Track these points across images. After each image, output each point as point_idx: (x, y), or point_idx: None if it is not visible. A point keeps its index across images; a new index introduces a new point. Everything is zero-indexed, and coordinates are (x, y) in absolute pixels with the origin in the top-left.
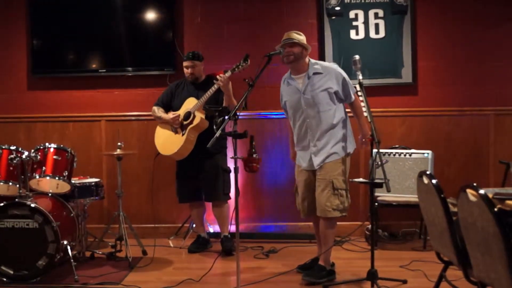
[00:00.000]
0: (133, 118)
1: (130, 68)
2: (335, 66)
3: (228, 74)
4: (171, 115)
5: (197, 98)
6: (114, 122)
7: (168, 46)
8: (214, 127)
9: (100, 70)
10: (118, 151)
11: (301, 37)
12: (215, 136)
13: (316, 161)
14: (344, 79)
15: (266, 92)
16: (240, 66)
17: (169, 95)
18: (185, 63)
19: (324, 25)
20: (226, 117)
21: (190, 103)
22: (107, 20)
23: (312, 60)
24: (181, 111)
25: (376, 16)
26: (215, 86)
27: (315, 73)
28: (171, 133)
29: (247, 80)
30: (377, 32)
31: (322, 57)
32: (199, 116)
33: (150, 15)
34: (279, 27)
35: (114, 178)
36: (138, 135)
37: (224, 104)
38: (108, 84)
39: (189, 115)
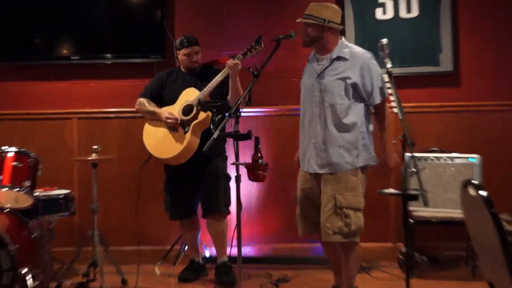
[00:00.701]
0: (112, 115)
1: (109, 55)
2: (368, 55)
3: (239, 59)
4: (166, 113)
5: (197, 88)
6: (89, 120)
7: (155, 28)
8: (211, 126)
9: (72, 57)
10: (94, 156)
11: (325, 13)
12: (212, 137)
13: (315, 165)
14: (373, 74)
15: (274, 84)
16: (253, 50)
17: (159, 84)
18: (187, 50)
19: (344, 2)
20: (226, 114)
21: (189, 95)
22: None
23: (345, 42)
24: (177, 106)
25: None
26: (223, 72)
27: (339, 58)
28: (167, 131)
29: (251, 70)
30: (408, 10)
31: None
32: None
33: None
34: (291, 4)
35: (88, 189)
36: (119, 137)
37: (229, 98)
38: (82, 74)
39: (191, 108)
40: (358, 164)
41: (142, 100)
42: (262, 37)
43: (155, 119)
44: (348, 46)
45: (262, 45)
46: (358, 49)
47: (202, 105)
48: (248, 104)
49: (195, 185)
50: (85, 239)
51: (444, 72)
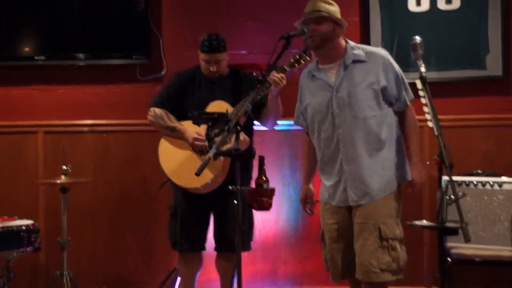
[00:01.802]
0: (86, 129)
1: (81, 55)
2: (383, 51)
3: (284, 71)
4: (193, 134)
5: (224, 100)
6: (57, 134)
7: (138, 21)
8: (207, 142)
9: (36, 57)
10: (63, 178)
11: (332, 8)
12: (207, 157)
13: (354, 195)
14: (396, 71)
15: (284, 92)
16: (302, 60)
17: (180, 90)
18: (205, 56)
19: None
20: (226, 128)
21: (219, 108)
22: None
23: (351, 43)
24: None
25: None
26: (263, 88)
27: (355, 61)
28: (192, 153)
29: (255, 75)
30: (449, 0)
31: (365, 40)
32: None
33: None
34: None
35: (56, 219)
36: (94, 155)
37: (265, 116)
38: (49, 77)
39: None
40: (395, 184)
41: (159, 111)
42: (271, 34)
43: (176, 137)
44: (359, 47)
45: (313, 57)
46: (371, 48)
47: (194, 116)
48: (252, 117)
49: (211, 212)
50: (53, 281)
51: (492, 77)
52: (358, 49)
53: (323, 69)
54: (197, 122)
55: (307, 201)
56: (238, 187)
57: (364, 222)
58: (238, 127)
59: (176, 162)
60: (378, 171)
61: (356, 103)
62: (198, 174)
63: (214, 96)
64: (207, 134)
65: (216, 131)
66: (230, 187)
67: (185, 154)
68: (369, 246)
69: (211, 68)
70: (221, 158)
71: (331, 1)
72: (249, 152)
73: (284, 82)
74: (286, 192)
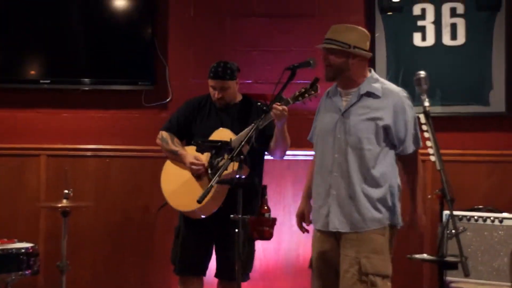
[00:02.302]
0: (89, 153)
1: (87, 80)
2: (402, 93)
3: (288, 104)
4: (191, 158)
5: (232, 128)
6: (60, 158)
7: (144, 48)
8: (209, 171)
9: (42, 81)
10: (65, 202)
11: (351, 35)
12: (210, 185)
13: (336, 220)
14: (407, 115)
15: (290, 122)
16: (306, 95)
17: (189, 116)
18: (211, 82)
19: (375, 24)
20: (228, 157)
21: (221, 137)
22: (55, 8)
23: (375, 75)
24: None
25: (453, 13)
26: (267, 117)
27: (369, 94)
28: (191, 176)
29: (259, 104)
30: (453, 36)
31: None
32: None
33: (120, 2)
34: (309, 26)
35: (56, 242)
36: (96, 179)
37: (273, 147)
38: (53, 101)
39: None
40: (386, 222)
41: (165, 135)
42: (275, 64)
43: (178, 161)
44: (379, 81)
45: (319, 91)
46: (392, 86)
47: (198, 144)
48: (254, 145)
49: (214, 238)
50: None
51: (495, 114)
52: (377, 83)
53: (340, 92)
54: (200, 150)
55: (303, 218)
56: (240, 215)
57: (346, 253)
58: (241, 156)
59: (175, 184)
60: (365, 204)
61: (356, 133)
62: (199, 201)
63: (222, 123)
64: (210, 162)
65: (219, 159)
66: (231, 216)
67: (185, 177)
68: (348, 279)
69: (218, 95)
70: (213, 189)
71: (353, 28)
72: (251, 182)
73: (286, 114)
74: (287, 222)
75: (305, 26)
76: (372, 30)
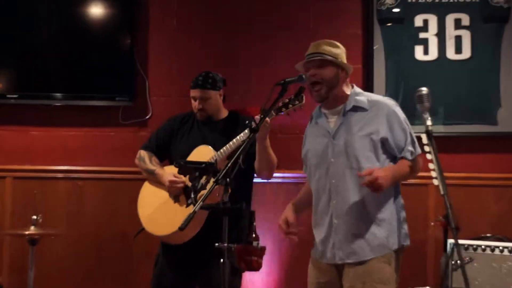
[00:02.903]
0: (60, 175)
1: (58, 94)
2: (389, 101)
3: (271, 116)
4: (170, 176)
5: (215, 146)
6: (28, 181)
7: (123, 61)
8: (192, 195)
9: (9, 96)
10: (32, 229)
11: (336, 50)
12: (193, 211)
13: (341, 252)
14: (402, 122)
15: (279, 141)
16: (290, 106)
17: (168, 134)
18: (191, 92)
19: (373, 37)
20: (213, 180)
21: (202, 155)
22: (23, 16)
23: (357, 89)
24: None
25: (457, 24)
26: (247, 132)
27: (355, 108)
28: (169, 198)
29: (247, 122)
30: (458, 49)
31: (368, 88)
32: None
33: (96, 11)
34: (302, 39)
35: (22, 274)
36: (68, 204)
37: (257, 164)
38: (21, 118)
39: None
40: (393, 247)
41: (143, 153)
42: (265, 79)
43: (157, 181)
44: (363, 94)
45: (303, 101)
46: (376, 96)
47: (180, 166)
48: (242, 167)
49: (195, 267)
50: None
51: (504, 134)
52: (362, 96)
53: (325, 114)
54: (183, 172)
55: (287, 224)
56: (225, 244)
57: (351, 285)
58: (228, 179)
59: (152, 207)
60: (370, 229)
61: (352, 153)
62: (182, 228)
63: (204, 140)
64: (193, 186)
65: (204, 181)
66: (216, 244)
67: (162, 199)
68: None
69: (198, 106)
70: (189, 211)
71: (335, 43)
72: (238, 207)
73: (268, 127)
74: (277, 251)
75: (297, 39)
76: (370, 43)
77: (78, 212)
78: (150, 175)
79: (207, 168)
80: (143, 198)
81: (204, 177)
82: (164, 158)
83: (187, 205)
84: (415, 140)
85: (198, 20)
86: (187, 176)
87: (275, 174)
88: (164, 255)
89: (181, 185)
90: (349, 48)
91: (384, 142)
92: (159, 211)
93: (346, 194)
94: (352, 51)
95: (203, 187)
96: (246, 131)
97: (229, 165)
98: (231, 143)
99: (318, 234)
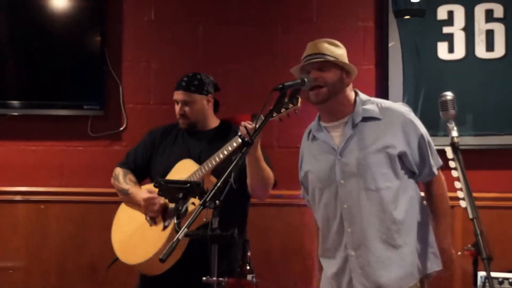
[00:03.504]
0: (18, 197)
1: (16, 102)
2: (404, 108)
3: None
4: (145, 193)
5: (200, 160)
6: None
7: (91, 62)
8: (175, 220)
9: None
10: None
11: (338, 51)
12: (176, 238)
13: (361, 286)
14: (421, 133)
15: (277, 156)
16: (283, 109)
17: (147, 148)
18: (174, 95)
19: (388, 32)
20: (200, 203)
21: (184, 170)
22: None
23: (363, 96)
24: None
25: (489, 16)
26: (235, 142)
27: (366, 118)
28: (145, 222)
29: (240, 135)
30: (490, 46)
31: (382, 93)
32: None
33: (59, 3)
34: (304, 33)
35: None
36: (28, 232)
37: (249, 181)
38: None
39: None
40: (419, 275)
41: (118, 171)
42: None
43: (133, 203)
44: (371, 101)
45: (299, 104)
46: (388, 103)
47: (160, 186)
48: (234, 187)
49: None
50: None
51: None
52: (371, 104)
53: (326, 127)
54: (163, 194)
55: None
56: (215, 278)
57: None
58: (217, 201)
59: (126, 233)
60: (394, 259)
61: (366, 171)
62: (163, 260)
63: (189, 153)
64: (176, 209)
65: (188, 204)
66: (204, 278)
67: (138, 223)
68: None
69: (179, 110)
70: (165, 235)
71: (337, 43)
72: (229, 236)
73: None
74: (276, 286)
75: (298, 34)
76: (385, 39)
77: (40, 241)
78: (125, 196)
79: (192, 189)
80: (118, 223)
81: (190, 199)
82: (144, 177)
83: (164, 228)
84: (435, 151)
85: (179, 12)
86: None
87: (273, 195)
88: (144, 285)
89: (158, 203)
90: (359, 45)
91: (402, 157)
92: (134, 237)
93: (362, 221)
94: (363, 48)
95: (187, 211)
96: (234, 142)
97: (218, 184)
98: (216, 155)
99: (330, 267)
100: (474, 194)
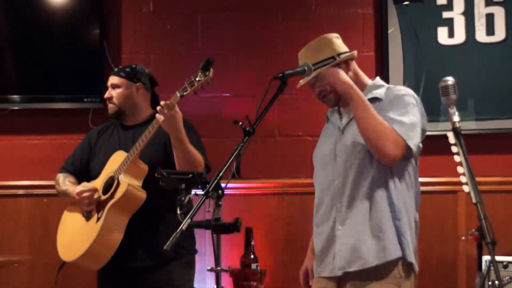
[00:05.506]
0: (21, 192)
1: (16, 97)
2: (404, 88)
3: (176, 99)
4: (79, 187)
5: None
6: None
7: (91, 55)
8: (178, 211)
9: None
10: None
11: (327, 48)
12: (180, 229)
13: (340, 261)
14: (404, 101)
15: (278, 145)
16: (195, 83)
17: (85, 149)
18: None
19: (387, 19)
20: (202, 193)
21: (116, 161)
22: None
23: (378, 81)
24: (102, 178)
25: (489, 0)
26: (155, 124)
27: (371, 100)
28: (83, 220)
29: (241, 124)
30: (490, 31)
31: (383, 79)
32: (125, 183)
33: None
34: (303, 22)
35: None
36: (31, 226)
37: (176, 161)
38: None
39: (111, 182)
40: (408, 259)
41: (58, 176)
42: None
43: (72, 203)
44: (384, 86)
45: (211, 74)
46: (397, 87)
47: (162, 177)
48: (237, 177)
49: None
50: None
51: None
52: (380, 88)
53: (339, 110)
54: (166, 185)
55: (307, 275)
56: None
57: None
58: (220, 191)
59: (67, 233)
60: (375, 233)
61: (355, 148)
62: (167, 248)
63: (120, 145)
64: (178, 200)
65: (191, 196)
66: (208, 268)
67: (76, 222)
68: None
69: (108, 95)
70: (98, 227)
71: (322, 39)
72: (234, 224)
73: (171, 113)
74: (280, 275)
75: (297, 23)
76: (384, 25)
77: (43, 235)
78: (65, 197)
79: (194, 179)
80: (61, 228)
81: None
82: (85, 178)
83: (97, 220)
84: (418, 129)
85: (178, 3)
86: (100, 184)
87: (275, 184)
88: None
89: (90, 195)
90: (359, 32)
91: None
92: (73, 235)
93: (351, 196)
94: (362, 35)
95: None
96: (155, 123)
97: (220, 174)
98: (140, 139)
99: (318, 244)
100: (477, 179)
